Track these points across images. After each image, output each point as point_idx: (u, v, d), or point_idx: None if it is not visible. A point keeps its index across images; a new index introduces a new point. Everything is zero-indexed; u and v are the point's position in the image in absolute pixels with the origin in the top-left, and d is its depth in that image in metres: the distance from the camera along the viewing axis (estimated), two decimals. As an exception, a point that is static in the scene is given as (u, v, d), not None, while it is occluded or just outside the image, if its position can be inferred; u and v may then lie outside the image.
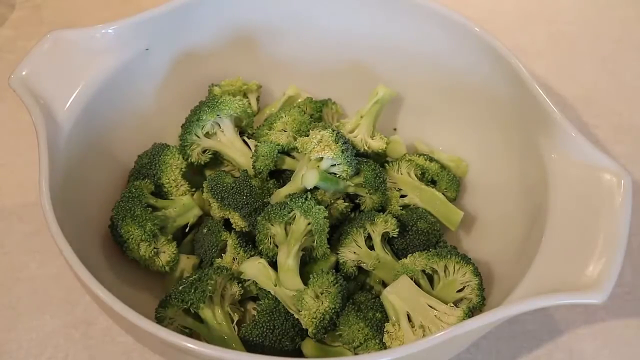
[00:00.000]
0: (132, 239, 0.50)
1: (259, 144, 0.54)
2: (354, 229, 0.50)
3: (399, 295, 0.46)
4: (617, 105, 0.72)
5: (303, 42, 0.62)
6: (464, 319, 0.45)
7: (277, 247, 0.50)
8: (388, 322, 0.46)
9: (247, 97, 0.61)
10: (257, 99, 0.62)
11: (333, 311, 0.47)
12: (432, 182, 0.57)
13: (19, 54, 0.49)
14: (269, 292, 0.48)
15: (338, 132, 0.51)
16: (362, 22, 0.60)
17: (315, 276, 0.47)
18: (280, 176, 0.55)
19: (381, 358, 0.37)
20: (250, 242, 0.53)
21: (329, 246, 0.50)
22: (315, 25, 0.61)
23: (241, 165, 0.55)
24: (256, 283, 0.49)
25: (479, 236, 0.56)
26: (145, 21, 0.54)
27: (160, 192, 0.55)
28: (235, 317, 0.49)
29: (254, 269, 0.48)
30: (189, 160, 0.55)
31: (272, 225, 0.49)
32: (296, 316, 0.47)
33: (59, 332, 0.54)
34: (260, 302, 0.49)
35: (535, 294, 0.40)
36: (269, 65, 0.63)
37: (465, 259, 0.48)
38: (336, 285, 0.47)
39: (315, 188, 0.50)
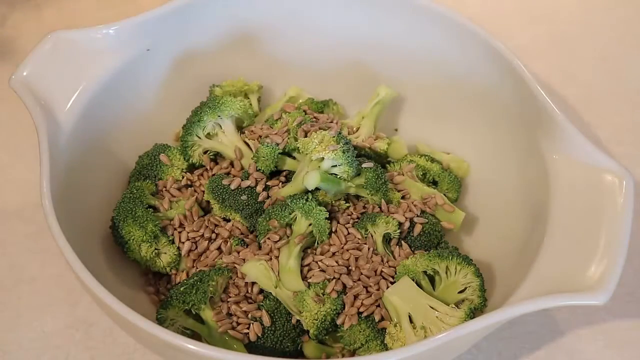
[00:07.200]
0: (133, 239, 0.50)
1: (260, 144, 0.54)
2: (355, 229, 0.50)
3: (401, 297, 0.46)
4: (618, 105, 0.71)
5: (304, 42, 0.62)
6: (465, 320, 0.45)
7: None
8: (389, 323, 0.46)
9: (248, 98, 0.61)
10: (258, 100, 0.62)
11: (334, 312, 0.47)
12: (434, 183, 0.57)
13: (19, 55, 0.49)
14: (270, 293, 0.48)
15: (339, 133, 0.51)
16: (363, 23, 0.60)
17: (316, 277, 0.47)
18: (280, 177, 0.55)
19: (383, 359, 0.37)
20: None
21: (330, 247, 0.50)
22: (317, 25, 0.61)
23: (242, 166, 0.55)
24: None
25: (481, 237, 0.56)
26: (147, 21, 0.54)
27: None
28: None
29: (256, 270, 0.48)
30: (190, 161, 0.55)
31: (273, 226, 0.49)
32: (297, 317, 0.47)
33: (59, 332, 0.54)
34: (262, 303, 0.49)
35: (536, 295, 0.40)
36: (270, 65, 0.63)
37: (467, 260, 0.48)
38: (337, 286, 0.47)
39: (316, 189, 0.50)
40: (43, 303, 0.55)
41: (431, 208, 0.53)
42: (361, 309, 0.47)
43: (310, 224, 0.49)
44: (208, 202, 0.53)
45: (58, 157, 0.47)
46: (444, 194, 0.55)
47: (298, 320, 0.48)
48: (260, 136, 0.55)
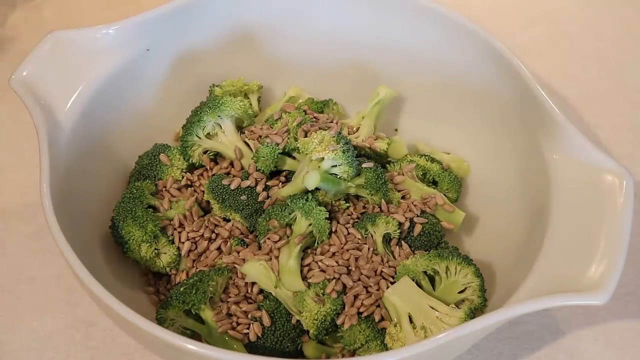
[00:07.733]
0: (133, 239, 0.50)
1: (260, 144, 0.54)
2: (355, 229, 0.50)
3: (401, 297, 0.46)
4: (618, 105, 0.72)
5: (304, 42, 0.62)
6: (465, 320, 0.45)
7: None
8: (389, 323, 0.46)
9: (248, 98, 0.61)
10: (258, 100, 0.62)
11: (334, 312, 0.47)
12: (434, 183, 0.57)
13: (19, 54, 0.49)
14: (270, 293, 0.48)
15: (339, 133, 0.51)
16: (363, 23, 0.60)
17: (316, 277, 0.47)
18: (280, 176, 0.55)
19: (383, 359, 0.37)
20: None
21: (330, 247, 0.50)
22: (317, 25, 0.61)
23: (242, 166, 0.55)
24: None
25: (481, 237, 0.56)
26: (146, 21, 0.54)
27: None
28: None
29: (256, 270, 0.48)
30: (190, 161, 0.55)
31: (273, 226, 0.49)
32: (297, 317, 0.47)
33: (59, 333, 0.54)
34: (262, 304, 0.49)
35: (537, 295, 0.40)
36: (270, 65, 0.63)
37: (467, 260, 0.48)
38: (337, 286, 0.47)
39: (316, 189, 0.50)
40: (43, 303, 0.55)
41: (431, 208, 0.53)
42: (361, 309, 0.47)
43: (310, 224, 0.49)
44: (208, 202, 0.53)
45: (58, 157, 0.47)
46: (444, 194, 0.55)
47: (298, 320, 0.48)
48: (260, 136, 0.55)
